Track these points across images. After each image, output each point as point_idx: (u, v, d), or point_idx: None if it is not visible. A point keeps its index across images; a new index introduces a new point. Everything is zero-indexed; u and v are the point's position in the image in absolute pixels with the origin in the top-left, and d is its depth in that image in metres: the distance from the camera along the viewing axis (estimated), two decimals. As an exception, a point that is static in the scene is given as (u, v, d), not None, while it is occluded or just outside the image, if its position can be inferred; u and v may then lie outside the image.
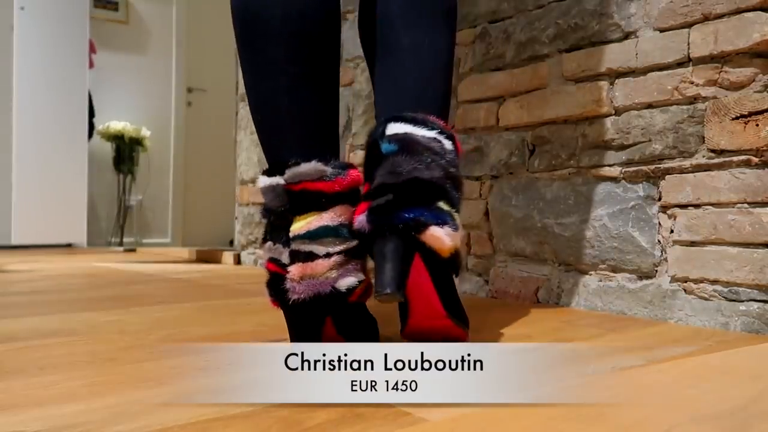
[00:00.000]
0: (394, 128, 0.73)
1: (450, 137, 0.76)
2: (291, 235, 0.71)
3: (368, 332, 0.79)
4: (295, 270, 0.70)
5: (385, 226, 0.67)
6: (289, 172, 0.72)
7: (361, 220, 0.70)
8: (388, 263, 0.66)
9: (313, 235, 0.71)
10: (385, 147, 0.72)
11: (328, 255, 0.70)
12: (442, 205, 0.69)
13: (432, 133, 0.73)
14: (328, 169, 0.73)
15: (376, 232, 0.68)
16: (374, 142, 0.74)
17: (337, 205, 0.72)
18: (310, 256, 0.70)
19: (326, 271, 0.70)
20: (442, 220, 0.68)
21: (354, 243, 0.72)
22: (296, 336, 0.74)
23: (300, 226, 0.71)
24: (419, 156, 0.70)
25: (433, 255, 0.68)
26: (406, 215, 0.67)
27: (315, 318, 0.72)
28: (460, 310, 0.77)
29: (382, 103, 0.82)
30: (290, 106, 0.77)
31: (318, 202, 0.72)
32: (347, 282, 0.71)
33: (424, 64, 0.81)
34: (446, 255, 0.69)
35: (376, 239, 0.68)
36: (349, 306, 0.73)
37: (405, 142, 0.71)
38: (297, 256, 0.70)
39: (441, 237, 0.67)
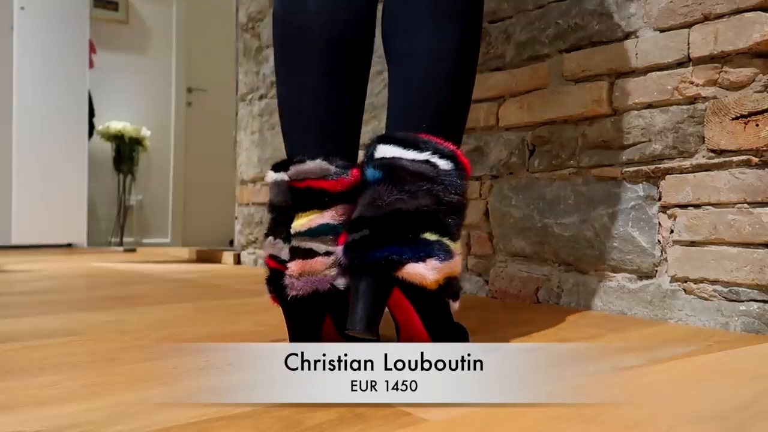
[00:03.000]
0: (382, 151, 0.70)
1: (448, 156, 0.70)
2: (292, 231, 0.72)
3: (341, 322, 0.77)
4: (294, 266, 0.70)
5: (359, 264, 0.66)
6: (293, 169, 0.73)
7: (338, 252, 0.69)
8: (360, 302, 0.66)
9: (314, 233, 0.71)
10: (370, 173, 0.70)
11: (327, 253, 0.70)
12: (428, 236, 0.67)
13: (423, 156, 0.69)
14: (332, 168, 0.72)
15: (350, 269, 0.67)
16: (362, 165, 0.73)
17: (339, 204, 0.72)
18: (310, 254, 0.70)
19: (325, 268, 0.70)
20: (425, 253, 0.66)
21: None
22: (294, 334, 0.74)
23: (301, 223, 0.71)
24: (404, 184, 0.68)
25: (416, 288, 0.67)
26: (379, 254, 0.65)
27: (313, 316, 0.73)
28: (452, 333, 0.74)
29: (387, 118, 0.80)
30: (311, 105, 0.79)
31: (321, 200, 0.72)
32: (346, 280, 0.70)
33: (423, 74, 0.76)
34: (432, 287, 0.67)
35: (352, 275, 0.67)
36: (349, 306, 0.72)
37: (390, 168, 0.68)
38: (297, 253, 0.71)
39: (419, 273, 0.65)
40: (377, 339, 0.66)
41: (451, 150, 0.71)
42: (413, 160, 0.68)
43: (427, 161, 0.69)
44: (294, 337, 0.74)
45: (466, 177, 0.73)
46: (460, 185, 0.71)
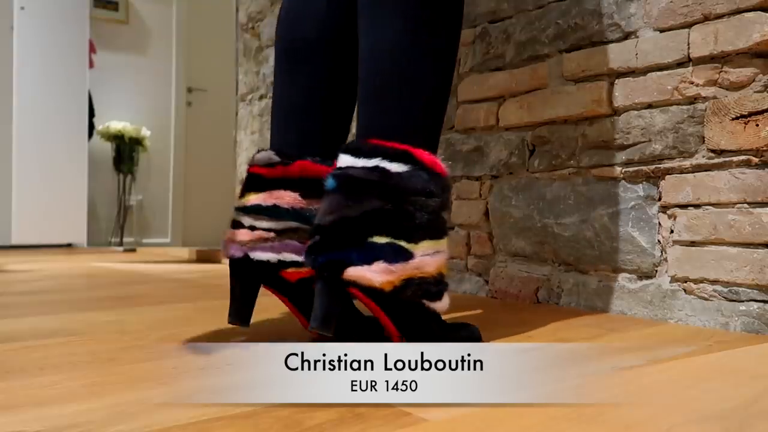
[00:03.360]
0: (341, 161, 0.74)
1: (400, 158, 0.72)
2: (234, 206, 0.85)
3: (307, 313, 0.81)
4: (227, 234, 0.83)
5: (312, 267, 0.72)
6: (251, 159, 0.85)
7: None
8: (317, 301, 0.72)
9: (247, 210, 0.83)
10: (328, 183, 0.74)
11: (252, 228, 0.82)
12: (377, 239, 0.70)
13: (372, 162, 0.71)
14: (275, 159, 0.83)
15: (314, 272, 0.73)
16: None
17: (274, 189, 0.82)
18: (238, 225, 0.83)
19: (247, 240, 0.81)
20: (372, 256, 0.69)
21: (291, 224, 0.81)
22: (231, 293, 0.85)
23: (242, 201, 0.84)
24: (351, 192, 0.71)
25: (371, 290, 0.70)
26: (323, 258, 0.70)
27: (246, 280, 0.83)
28: (428, 331, 0.74)
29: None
30: (275, 101, 0.89)
31: (258, 184, 0.83)
32: (263, 255, 0.80)
33: (367, 74, 0.77)
34: (386, 288, 0.69)
35: (315, 278, 0.73)
36: (293, 284, 0.82)
37: (341, 177, 0.72)
38: (232, 224, 0.84)
39: (364, 276, 0.68)
40: (333, 336, 0.72)
41: (402, 151, 0.72)
42: (363, 168, 0.72)
43: (375, 167, 0.71)
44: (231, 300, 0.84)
45: (434, 174, 0.73)
46: (420, 185, 0.71)
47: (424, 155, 0.73)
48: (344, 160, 0.73)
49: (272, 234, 0.81)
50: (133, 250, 3.61)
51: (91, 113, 3.95)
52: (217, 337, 0.92)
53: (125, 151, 4.28)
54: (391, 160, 0.71)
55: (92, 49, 3.93)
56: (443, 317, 0.78)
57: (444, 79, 0.80)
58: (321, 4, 0.87)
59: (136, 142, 4.28)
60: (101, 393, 0.61)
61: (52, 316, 1.15)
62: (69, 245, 3.96)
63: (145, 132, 4.31)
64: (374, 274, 0.68)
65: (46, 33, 3.58)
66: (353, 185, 0.71)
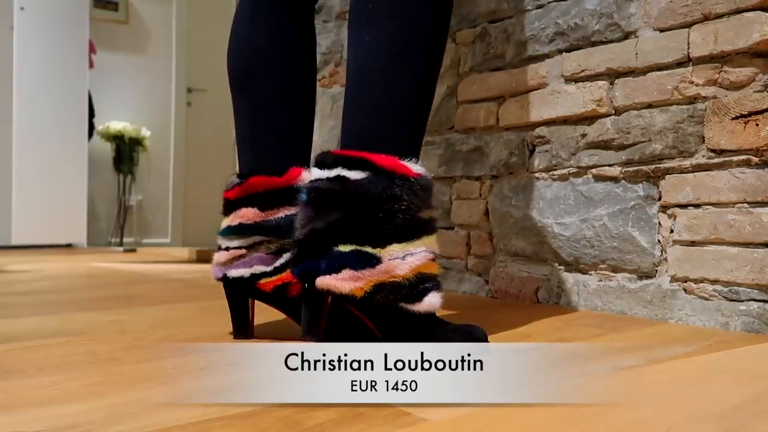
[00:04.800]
0: (312, 174, 0.77)
1: (359, 166, 0.73)
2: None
3: (298, 318, 0.84)
4: (212, 258, 0.91)
5: (294, 278, 0.77)
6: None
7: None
8: (302, 310, 0.76)
9: (221, 233, 0.90)
10: (301, 197, 0.77)
11: (227, 249, 0.88)
12: (342, 248, 0.72)
13: (333, 172, 0.73)
14: (236, 180, 0.89)
15: None
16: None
17: (238, 209, 0.88)
18: (218, 248, 0.90)
19: (224, 260, 0.88)
20: (339, 264, 0.71)
21: (255, 239, 0.86)
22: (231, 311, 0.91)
23: (220, 225, 0.90)
24: (317, 204, 0.74)
25: (345, 297, 0.72)
26: (296, 270, 0.75)
27: (232, 297, 0.89)
28: (407, 332, 0.74)
29: None
30: (240, 129, 0.94)
31: (227, 207, 0.90)
32: (236, 272, 0.87)
33: (356, 86, 0.79)
34: (357, 294, 0.71)
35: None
36: (271, 293, 0.86)
37: (309, 190, 0.75)
38: (217, 248, 0.91)
39: (333, 284, 0.71)
40: (319, 340, 0.75)
41: (359, 158, 0.73)
42: (326, 179, 0.74)
43: (336, 177, 0.73)
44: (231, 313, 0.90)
45: (397, 177, 0.72)
46: (379, 190, 0.72)
47: (382, 159, 0.73)
48: (314, 173, 0.76)
49: (243, 250, 0.87)
50: (133, 250, 3.61)
51: (91, 113, 3.95)
52: (217, 337, 0.92)
53: (125, 151, 4.28)
54: (350, 168, 0.73)
55: (92, 49, 3.93)
56: (448, 319, 0.78)
57: (423, 91, 0.79)
58: (261, 34, 0.91)
59: (136, 142, 4.28)
60: (101, 393, 0.61)
61: (52, 316, 1.15)
62: (69, 245, 3.96)
63: (145, 132, 4.31)
64: (342, 282, 0.71)
65: (46, 33, 3.58)
66: (318, 197, 0.74)
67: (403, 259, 0.72)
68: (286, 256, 0.85)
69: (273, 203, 0.86)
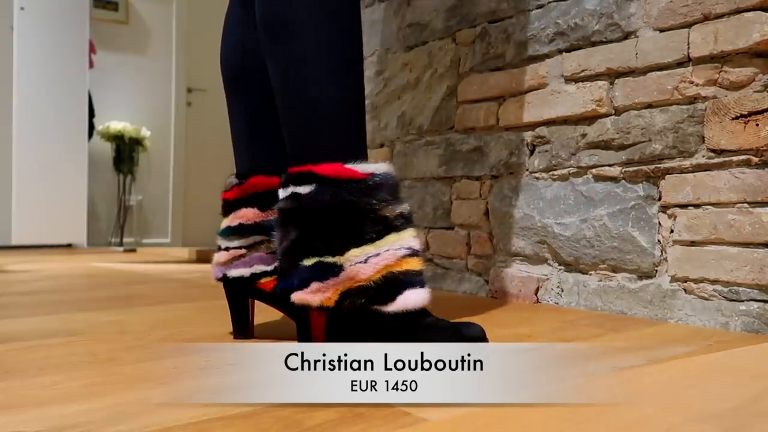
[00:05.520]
0: (279, 195, 0.78)
1: (305, 180, 0.73)
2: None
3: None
4: (212, 258, 0.92)
5: None
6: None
7: None
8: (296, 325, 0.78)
9: (221, 233, 0.91)
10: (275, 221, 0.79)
11: (227, 249, 0.89)
12: (306, 262, 0.73)
13: (288, 191, 0.74)
14: (235, 181, 0.90)
15: None
16: None
17: (238, 209, 0.89)
18: (218, 248, 0.91)
19: (224, 260, 0.89)
20: (307, 278, 0.72)
21: (256, 238, 0.87)
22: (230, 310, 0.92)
23: (220, 225, 0.91)
24: (282, 224, 0.76)
25: (320, 308, 0.73)
26: (278, 290, 0.77)
27: (232, 297, 0.90)
28: (388, 333, 0.73)
29: None
30: (235, 131, 0.94)
31: (226, 208, 0.91)
32: (236, 272, 0.88)
33: (280, 102, 0.79)
34: (328, 305, 0.72)
35: None
36: (271, 293, 0.85)
37: (277, 213, 0.77)
38: (217, 249, 0.92)
39: (302, 298, 0.73)
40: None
41: (305, 173, 0.73)
42: (283, 199, 0.75)
43: (291, 195, 0.74)
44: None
45: (342, 182, 0.71)
46: (326, 199, 0.72)
47: (325, 169, 0.72)
48: (280, 194, 0.77)
49: (243, 250, 0.88)
50: (133, 251, 3.61)
51: (91, 113, 3.95)
52: (217, 337, 0.92)
53: (125, 151, 4.28)
54: (299, 183, 0.73)
55: (92, 49, 3.93)
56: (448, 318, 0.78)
57: (345, 89, 0.78)
58: (253, 36, 0.90)
59: (136, 142, 4.28)
60: (101, 393, 0.61)
61: (52, 316, 1.15)
62: (69, 245, 3.96)
63: (145, 132, 4.31)
64: (312, 295, 0.72)
65: (46, 33, 3.58)
66: (281, 217, 0.76)
67: (366, 262, 0.70)
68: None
69: (273, 203, 0.85)
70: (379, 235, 0.72)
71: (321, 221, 0.72)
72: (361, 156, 0.75)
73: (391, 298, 0.70)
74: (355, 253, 0.71)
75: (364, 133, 0.80)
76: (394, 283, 0.71)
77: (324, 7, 0.76)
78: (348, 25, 0.78)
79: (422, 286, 0.72)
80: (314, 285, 0.72)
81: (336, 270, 0.71)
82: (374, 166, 0.73)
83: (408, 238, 0.73)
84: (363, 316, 0.72)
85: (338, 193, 0.71)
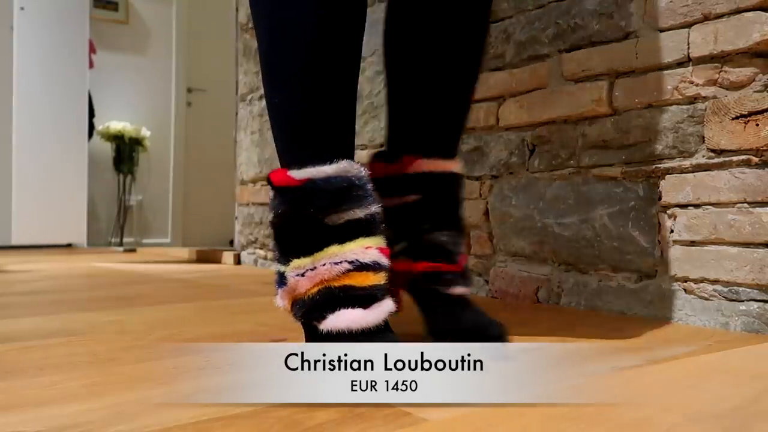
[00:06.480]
0: None
1: (271, 186, 0.70)
2: None
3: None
4: None
5: None
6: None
7: None
8: None
9: None
10: None
11: None
12: (277, 268, 0.72)
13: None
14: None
15: None
16: None
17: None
18: None
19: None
20: (278, 285, 0.72)
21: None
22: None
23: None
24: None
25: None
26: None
27: None
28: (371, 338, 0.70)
29: None
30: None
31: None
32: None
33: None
34: (290, 311, 0.71)
35: None
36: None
37: None
38: None
39: (277, 301, 0.73)
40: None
41: (270, 181, 0.70)
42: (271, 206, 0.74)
43: (271, 200, 0.73)
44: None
45: (281, 190, 0.68)
46: (273, 207, 0.70)
47: (273, 175, 0.69)
48: None
49: None
50: (133, 250, 3.61)
51: (91, 113, 3.95)
52: (217, 337, 0.92)
53: (125, 151, 4.28)
54: (274, 189, 0.70)
55: (92, 49, 3.93)
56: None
57: (302, 92, 0.72)
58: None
59: (136, 142, 4.28)
60: (101, 393, 0.61)
61: (52, 316, 1.15)
62: (69, 245, 3.96)
63: (145, 132, 4.31)
64: (279, 300, 0.72)
65: (46, 33, 3.58)
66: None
67: (303, 275, 0.66)
68: (398, 247, 0.82)
69: (387, 191, 0.80)
70: (318, 247, 0.66)
71: (273, 229, 0.72)
72: (316, 160, 0.67)
73: (323, 316, 0.65)
74: (297, 264, 0.67)
75: (329, 136, 0.71)
76: (330, 299, 0.65)
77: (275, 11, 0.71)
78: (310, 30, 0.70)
79: (365, 305, 0.65)
80: (279, 291, 0.72)
81: (284, 280, 0.70)
82: (315, 170, 0.66)
83: (356, 249, 0.66)
84: (310, 330, 0.69)
85: (280, 201, 0.68)
